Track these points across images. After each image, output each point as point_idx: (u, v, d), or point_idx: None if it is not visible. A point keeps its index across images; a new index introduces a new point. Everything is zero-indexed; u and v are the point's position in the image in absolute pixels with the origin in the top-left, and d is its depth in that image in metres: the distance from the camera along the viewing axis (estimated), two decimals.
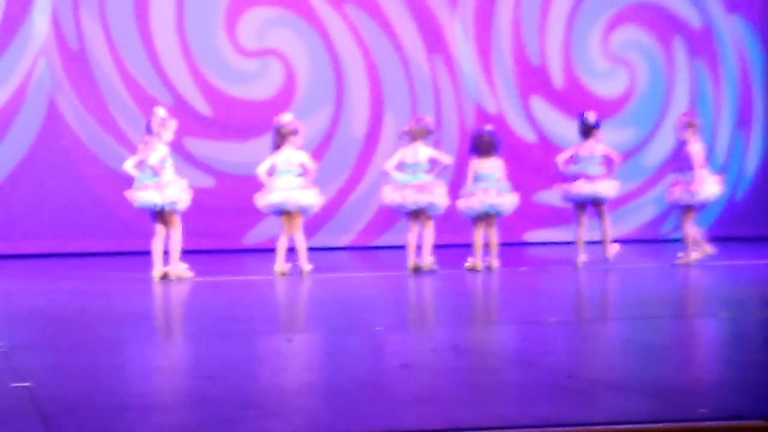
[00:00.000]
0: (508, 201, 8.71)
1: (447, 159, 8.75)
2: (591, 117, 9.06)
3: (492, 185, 8.64)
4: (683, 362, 4.60)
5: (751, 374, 4.23)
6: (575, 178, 8.90)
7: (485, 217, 8.68)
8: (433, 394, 3.83)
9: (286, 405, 3.69)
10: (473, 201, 8.64)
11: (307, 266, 8.46)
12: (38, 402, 3.57)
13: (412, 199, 8.50)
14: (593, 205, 8.95)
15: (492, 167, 8.67)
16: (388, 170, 8.62)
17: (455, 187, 9.16)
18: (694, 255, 8.97)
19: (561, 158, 9.03)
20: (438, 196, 8.52)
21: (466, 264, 8.70)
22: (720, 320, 5.96)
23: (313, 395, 3.85)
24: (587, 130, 8.97)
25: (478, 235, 8.69)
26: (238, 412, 3.48)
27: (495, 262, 8.69)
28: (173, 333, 5.87)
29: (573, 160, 8.99)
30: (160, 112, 8.38)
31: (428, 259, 8.59)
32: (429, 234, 8.59)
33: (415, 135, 8.61)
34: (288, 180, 8.45)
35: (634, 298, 7.20)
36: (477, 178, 8.68)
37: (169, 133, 8.29)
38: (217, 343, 5.16)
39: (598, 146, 8.99)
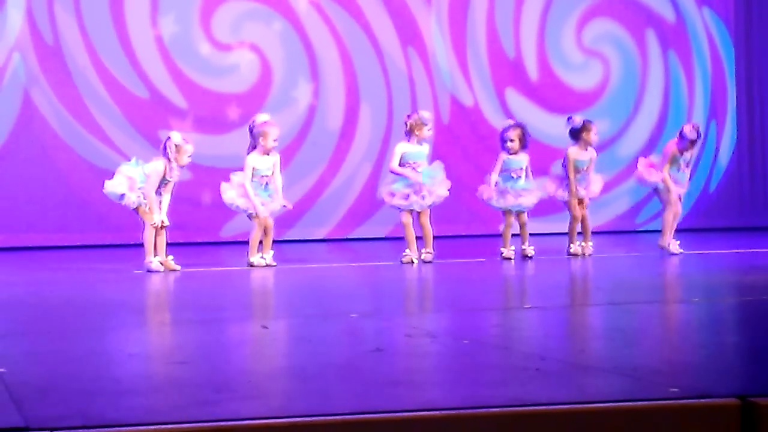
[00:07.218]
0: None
1: None
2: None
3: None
4: (656, 345, 4.64)
5: (723, 355, 4.27)
6: None
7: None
8: (406, 377, 3.84)
9: (260, 388, 3.69)
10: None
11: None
12: (10, 387, 3.57)
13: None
14: None
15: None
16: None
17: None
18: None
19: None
20: None
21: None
22: (693, 305, 6.01)
23: (288, 378, 3.86)
24: None
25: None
26: (211, 395, 3.48)
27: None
28: (149, 321, 5.87)
29: None
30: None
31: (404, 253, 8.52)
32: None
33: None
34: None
35: (609, 286, 7.25)
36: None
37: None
38: (192, 330, 5.16)
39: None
